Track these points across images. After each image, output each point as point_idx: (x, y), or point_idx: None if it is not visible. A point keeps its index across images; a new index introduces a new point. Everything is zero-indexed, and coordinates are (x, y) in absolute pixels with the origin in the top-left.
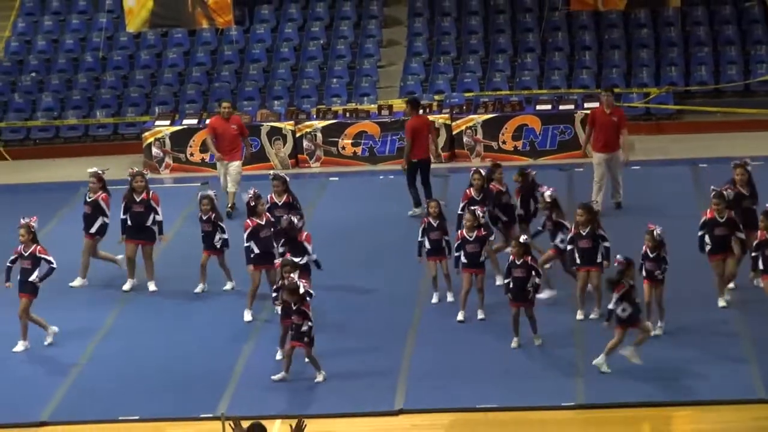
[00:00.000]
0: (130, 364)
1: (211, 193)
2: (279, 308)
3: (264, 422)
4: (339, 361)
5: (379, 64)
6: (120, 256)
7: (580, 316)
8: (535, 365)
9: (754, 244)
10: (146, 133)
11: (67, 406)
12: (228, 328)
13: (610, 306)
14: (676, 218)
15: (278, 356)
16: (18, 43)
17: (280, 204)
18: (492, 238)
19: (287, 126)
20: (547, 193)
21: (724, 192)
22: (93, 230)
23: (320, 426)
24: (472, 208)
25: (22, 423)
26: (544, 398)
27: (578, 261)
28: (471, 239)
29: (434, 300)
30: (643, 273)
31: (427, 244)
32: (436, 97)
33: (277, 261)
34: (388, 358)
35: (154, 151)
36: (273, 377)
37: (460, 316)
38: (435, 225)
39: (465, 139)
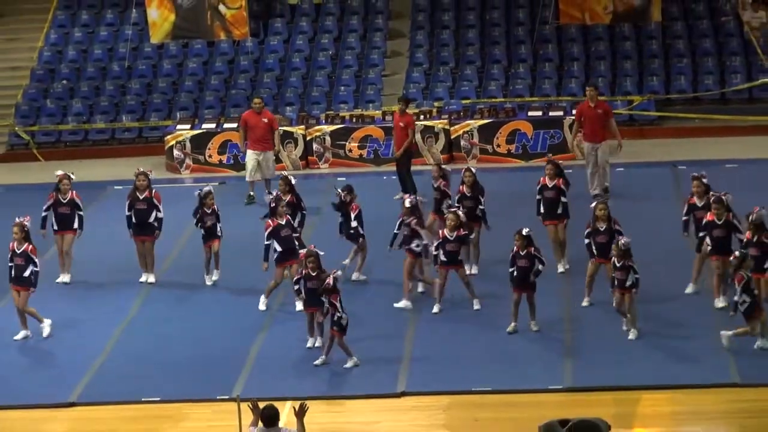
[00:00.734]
0: (152, 349)
1: (211, 187)
2: (301, 299)
3: (276, 404)
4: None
5: (383, 74)
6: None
7: (585, 303)
8: (527, 351)
9: (702, 224)
10: (168, 136)
11: (94, 388)
12: (243, 316)
13: (735, 297)
14: (655, 215)
15: (308, 344)
16: (50, 53)
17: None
18: (472, 236)
19: (298, 130)
20: (408, 200)
21: (723, 197)
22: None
23: (329, 406)
24: (453, 208)
25: (53, 404)
26: (535, 382)
27: (595, 253)
28: (452, 238)
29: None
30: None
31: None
32: (436, 104)
33: (302, 252)
34: (391, 345)
35: (176, 153)
36: (315, 362)
37: (435, 309)
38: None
39: (462, 142)
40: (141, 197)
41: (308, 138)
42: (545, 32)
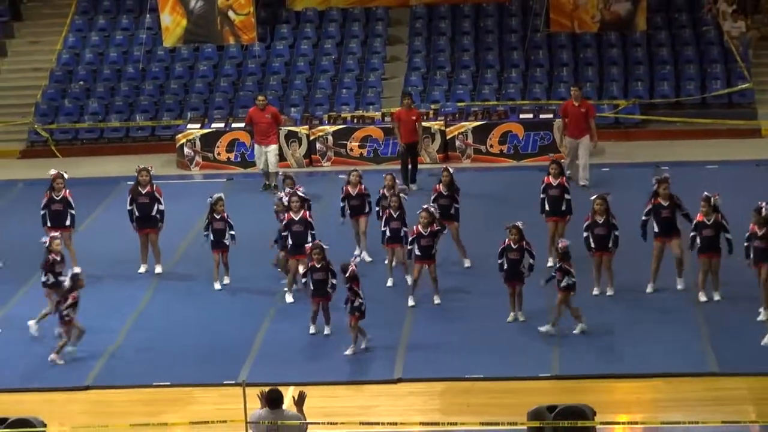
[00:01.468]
0: (163, 336)
1: (221, 194)
2: (309, 289)
3: (280, 389)
4: (347, 336)
5: (383, 77)
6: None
7: (596, 291)
8: (517, 341)
9: (693, 224)
10: (179, 135)
11: (108, 372)
12: (248, 306)
13: None
14: (639, 212)
15: (311, 330)
16: (68, 55)
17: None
18: (445, 231)
19: (302, 130)
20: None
21: (712, 198)
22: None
23: (329, 391)
24: (425, 206)
25: (70, 387)
26: (524, 369)
27: (593, 246)
28: (426, 234)
29: (389, 284)
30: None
31: (388, 233)
32: (433, 106)
33: (308, 245)
34: (389, 334)
35: (186, 150)
36: (346, 352)
37: (411, 302)
38: (395, 216)
39: (457, 143)
40: (143, 192)
41: (312, 138)
42: (536, 39)
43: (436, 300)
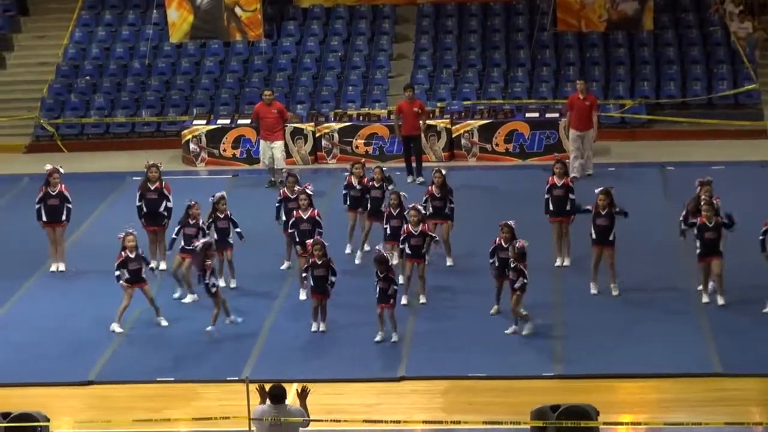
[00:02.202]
0: (166, 332)
1: (224, 193)
2: (308, 285)
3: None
4: (350, 334)
5: (389, 75)
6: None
7: (594, 290)
8: (520, 340)
9: (696, 226)
10: (185, 131)
11: (111, 367)
12: (252, 304)
13: None
14: (644, 212)
15: (313, 328)
16: (75, 50)
17: (292, 198)
18: (437, 238)
19: (308, 127)
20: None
21: (714, 201)
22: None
23: (332, 389)
24: (413, 204)
25: (72, 382)
26: (528, 369)
27: (594, 237)
28: (416, 233)
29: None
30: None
31: (388, 231)
32: (439, 105)
33: (309, 242)
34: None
35: (192, 146)
36: (375, 339)
37: (404, 300)
38: (395, 213)
39: (463, 141)
40: (152, 188)
41: (317, 135)
42: (543, 38)
43: (422, 299)
